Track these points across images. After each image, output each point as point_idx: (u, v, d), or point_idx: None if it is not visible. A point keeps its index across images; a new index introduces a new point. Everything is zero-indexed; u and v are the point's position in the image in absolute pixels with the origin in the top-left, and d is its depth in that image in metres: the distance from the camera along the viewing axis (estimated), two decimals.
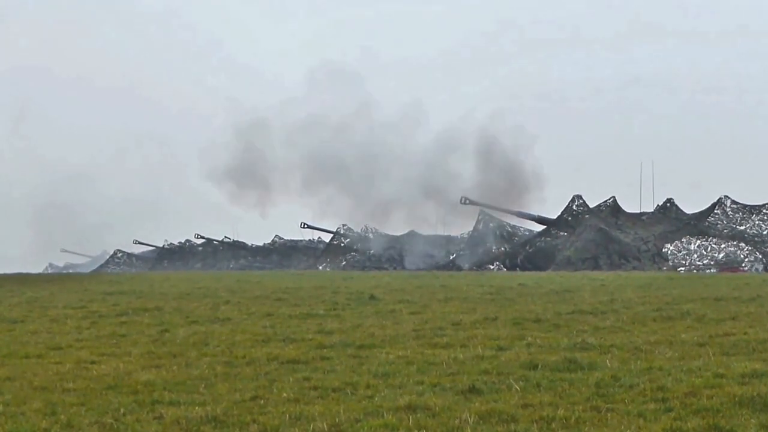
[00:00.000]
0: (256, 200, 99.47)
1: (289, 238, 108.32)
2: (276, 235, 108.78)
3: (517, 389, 11.55)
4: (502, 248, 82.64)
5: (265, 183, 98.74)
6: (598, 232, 74.33)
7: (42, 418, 10.42)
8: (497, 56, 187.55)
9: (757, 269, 71.30)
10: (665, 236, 76.27)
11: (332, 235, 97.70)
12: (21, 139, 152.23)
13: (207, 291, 32.98)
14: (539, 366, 13.22)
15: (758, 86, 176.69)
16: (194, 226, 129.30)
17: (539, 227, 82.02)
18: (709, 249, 75.80)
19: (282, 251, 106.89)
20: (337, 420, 9.98)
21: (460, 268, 74.24)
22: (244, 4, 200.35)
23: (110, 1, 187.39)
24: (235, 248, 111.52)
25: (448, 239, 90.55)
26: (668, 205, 78.65)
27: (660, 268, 69.62)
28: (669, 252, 76.17)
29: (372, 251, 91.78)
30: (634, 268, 67.49)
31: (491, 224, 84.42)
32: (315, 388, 11.94)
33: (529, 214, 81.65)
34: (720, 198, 78.01)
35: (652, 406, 10.44)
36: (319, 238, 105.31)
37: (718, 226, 76.95)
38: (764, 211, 77.08)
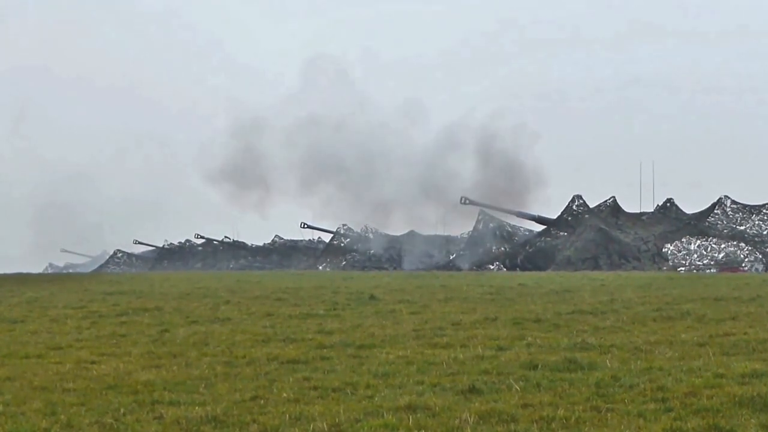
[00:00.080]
0: (255, 200, 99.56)
1: (289, 238, 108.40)
2: (276, 235, 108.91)
3: (517, 389, 11.54)
4: (502, 248, 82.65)
5: (265, 183, 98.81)
6: (598, 232, 74.35)
7: (42, 418, 10.42)
8: (497, 56, 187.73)
9: (757, 269, 71.31)
10: (665, 236, 76.28)
11: (332, 235, 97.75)
12: (21, 139, 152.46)
13: (207, 291, 32.98)
14: (539, 366, 13.22)
15: (758, 86, 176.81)
16: (194, 226, 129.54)
17: (539, 227, 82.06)
18: (709, 249, 75.83)
19: (282, 251, 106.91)
20: (337, 420, 9.98)
21: (459, 269, 74.22)
22: (244, 4, 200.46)
23: (110, 1, 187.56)
24: (235, 248, 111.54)
25: (448, 239, 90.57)
26: (668, 205, 78.67)
27: (660, 268, 69.63)
28: (669, 252, 76.19)
29: (372, 251, 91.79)
30: (634, 268, 67.51)
31: (491, 224, 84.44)
32: (315, 388, 11.94)
33: (529, 214, 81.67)
34: (720, 198, 78.04)
35: (652, 406, 10.44)
36: (319, 238, 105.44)
37: (718, 226, 76.97)
38: (764, 211, 77.09)
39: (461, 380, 12.19)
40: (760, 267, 72.40)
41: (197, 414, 10.33)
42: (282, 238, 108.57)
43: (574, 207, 78.63)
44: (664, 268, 70.86)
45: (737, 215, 77.42)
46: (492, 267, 79.31)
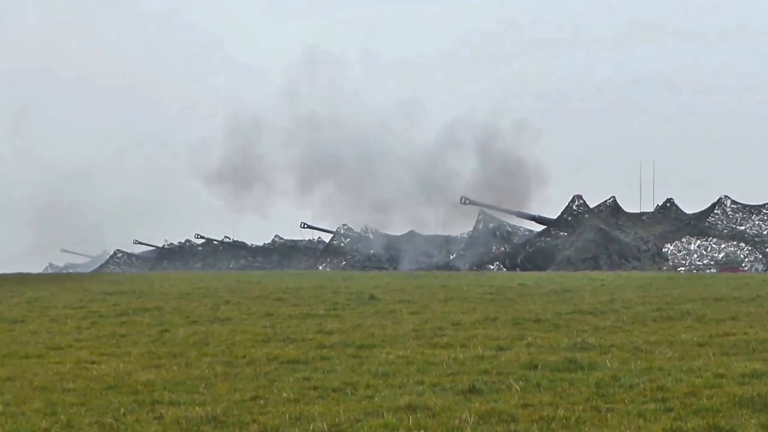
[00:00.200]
0: (254, 200, 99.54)
1: (289, 238, 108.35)
2: (276, 235, 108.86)
3: (517, 389, 11.55)
4: (502, 248, 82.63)
5: (264, 183, 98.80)
6: (598, 232, 74.35)
7: (42, 418, 10.42)
8: (497, 56, 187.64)
9: (757, 269, 71.31)
10: (665, 236, 76.28)
11: (332, 235, 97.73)
12: (21, 139, 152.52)
13: (207, 291, 32.98)
14: (539, 366, 13.22)
15: (758, 86, 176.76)
16: (194, 226, 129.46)
17: (539, 227, 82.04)
18: (709, 249, 75.82)
19: (282, 251, 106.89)
20: (337, 420, 9.98)
21: (457, 269, 74.17)
22: (244, 4, 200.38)
23: (110, 1, 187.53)
24: (235, 248, 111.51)
25: (448, 239, 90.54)
26: (668, 205, 78.66)
27: (660, 268, 69.63)
28: (669, 252, 76.18)
29: (372, 251, 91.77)
30: (634, 268, 67.49)
31: (491, 224, 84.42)
32: (315, 388, 11.94)
33: (529, 214, 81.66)
34: (720, 198, 78.03)
35: (652, 406, 10.44)
36: (319, 238, 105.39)
37: (718, 226, 76.96)
38: (764, 211, 77.08)
39: (461, 380, 12.19)
40: (760, 267, 72.39)
41: (197, 414, 10.33)
42: (282, 238, 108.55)
43: (574, 207, 78.63)
44: (664, 268, 70.87)
45: (737, 215, 77.41)
46: (492, 267, 79.31)
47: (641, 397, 10.93)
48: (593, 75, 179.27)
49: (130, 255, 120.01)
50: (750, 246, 75.27)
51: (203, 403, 11.07)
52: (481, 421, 9.85)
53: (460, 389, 11.58)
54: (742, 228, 76.54)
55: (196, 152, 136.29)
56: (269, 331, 18.76)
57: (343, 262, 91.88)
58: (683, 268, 71.59)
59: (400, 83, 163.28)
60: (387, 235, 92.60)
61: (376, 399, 11.16)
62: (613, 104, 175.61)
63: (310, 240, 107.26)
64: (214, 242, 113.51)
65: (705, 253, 75.64)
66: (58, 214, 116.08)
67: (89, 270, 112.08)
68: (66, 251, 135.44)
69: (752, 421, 9.66)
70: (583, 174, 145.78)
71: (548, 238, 79.54)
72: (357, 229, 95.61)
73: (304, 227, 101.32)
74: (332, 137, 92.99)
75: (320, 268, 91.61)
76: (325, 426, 9.74)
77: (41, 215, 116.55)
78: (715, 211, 77.49)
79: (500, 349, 15.29)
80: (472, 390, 11.49)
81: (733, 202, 77.78)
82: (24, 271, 78.25)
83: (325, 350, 15.59)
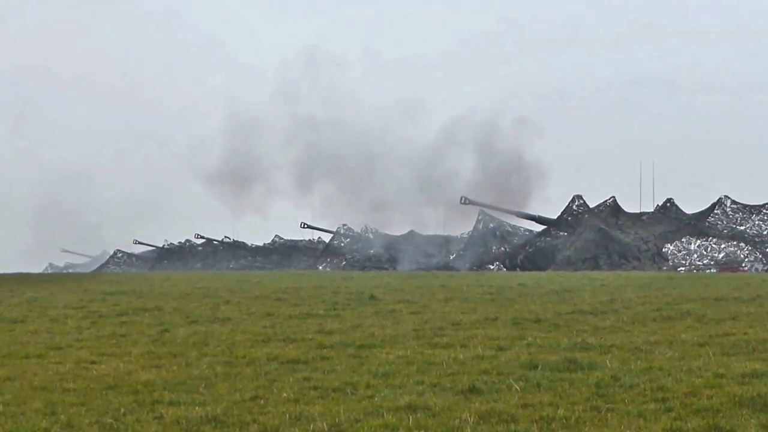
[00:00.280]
0: (254, 200, 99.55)
1: (289, 238, 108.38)
2: (276, 235, 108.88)
3: (517, 389, 11.54)
4: (502, 248, 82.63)
5: (264, 183, 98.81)
6: (598, 232, 74.35)
7: (42, 418, 10.42)
8: (497, 56, 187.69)
9: (757, 269, 71.31)
10: (665, 236, 76.28)
11: (332, 235, 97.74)
12: (21, 139, 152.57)
13: (207, 291, 32.99)
14: (539, 366, 13.21)
15: (758, 86, 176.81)
16: (194, 226, 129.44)
17: (539, 227, 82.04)
18: (709, 249, 75.83)
19: (282, 251, 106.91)
20: (337, 420, 9.98)
21: (456, 270, 74.15)
22: (244, 4, 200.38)
23: (110, 1, 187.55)
24: (235, 248, 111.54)
25: (448, 239, 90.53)
26: (668, 205, 78.67)
27: (660, 268, 69.63)
28: (669, 252, 76.19)
29: (372, 251, 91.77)
30: (634, 268, 67.50)
31: (491, 224, 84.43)
32: (315, 388, 11.94)
33: (529, 214, 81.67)
34: (720, 198, 78.05)
35: (652, 406, 10.44)
36: (319, 238, 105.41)
37: (718, 226, 76.97)
38: (764, 211, 77.10)
39: (461, 380, 12.19)
40: (760, 267, 72.40)
41: (197, 414, 10.33)
42: (282, 238, 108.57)
43: (574, 207, 78.63)
44: (664, 268, 70.87)
45: (737, 215, 77.43)
46: (492, 267, 79.30)
47: (641, 397, 10.93)
48: (593, 75, 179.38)
49: (130, 255, 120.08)
50: (750, 246, 75.28)
51: (203, 403, 11.07)
52: (481, 421, 9.85)
53: (460, 389, 11.58)
54: (742, 228, 76.55)
55: (196, 152, 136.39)
56: (269, 331, 18.75)
57: (343, 262, 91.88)
58: (683, 268, 71.60)
59: (400, 83, 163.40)
60: (387, 235, 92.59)
61: (376, 399, 11.16)
62: (613, 104, 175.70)
63: (310, 240, 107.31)
64: (214, 242, 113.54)
65: (705, 253, 75.65)
66: (58, 214, 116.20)
67: (89, 270, 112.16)
68: (66, 251, 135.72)
69: (752, 421, 9.66)
70: (583, 174, 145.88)
71: (548, 238, 79.55)
72: (357, 229, 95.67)
73: (304, 227, 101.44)
74: (332, 137, 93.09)
75: (320, 268, 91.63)
76: (325, 426, 9.74)
77: (41, 215, 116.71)
78: (715, 211, 77.50)
79: (500, 349, 15.29)
80: (472, 390, 11.49)
81: (733, 202, 77.79)
82: (24, 271, 78.40)
83: (325, 350, 15.59)
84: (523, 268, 73.30)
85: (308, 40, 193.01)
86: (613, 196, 78.47)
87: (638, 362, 13.47)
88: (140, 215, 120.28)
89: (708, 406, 10.28)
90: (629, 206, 79.57)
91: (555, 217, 79.61)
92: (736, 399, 10.57)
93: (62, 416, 10.49)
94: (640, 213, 79.05)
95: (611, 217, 77.61)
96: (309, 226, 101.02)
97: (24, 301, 29.01)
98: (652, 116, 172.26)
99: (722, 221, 77.24)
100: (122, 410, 10.75)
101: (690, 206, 79.45)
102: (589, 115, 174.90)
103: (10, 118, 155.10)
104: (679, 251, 76.09)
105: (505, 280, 39.73)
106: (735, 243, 75.40)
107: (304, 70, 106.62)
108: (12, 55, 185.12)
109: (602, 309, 22.51)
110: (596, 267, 69.24)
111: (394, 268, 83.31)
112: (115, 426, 10.04)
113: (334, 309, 23.87)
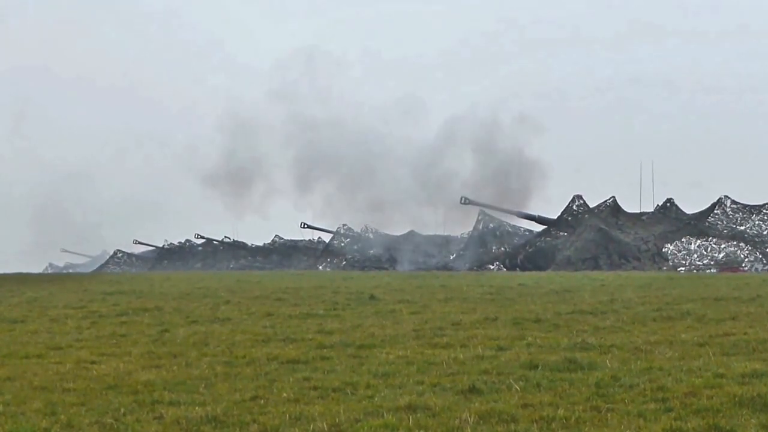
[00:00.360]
0: (253, 200, 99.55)
1: (289, 238, 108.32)
2: (276, 235, 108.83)
3: (517, 389, 11.55)
4: (502, 248, 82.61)
5: (264, 183, 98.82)
6: (598, 232, 74.34)
7: (42, 418, 10.42)
8: (497, 56, 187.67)
9: (757, 269, 71.31)
10: (665, 236, 76.28)
11: (332, 235, 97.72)
12: (21, 138, 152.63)
13: (207, 291, 32.98)
14: (539, 366, 13.22)
15: (758, 86, 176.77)
16: (194, 226, 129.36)
17: (539, 227, 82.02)
18: (709, 249, 75.83)
19: (282, 251, 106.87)
20: (337, 420, 9.98)
21: (457, 270, 74.12)
22: (244, 4, 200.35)
23: (110, 1, 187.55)
24: (235, 248, 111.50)
25: (448, 239, 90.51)
26: (668, 205, 78.66)
27: (660, 268, 69.63)
28: (669, 252, 76.18)
29: (372, 251, 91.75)
30: (634, 268, 67.49)
31: (491, 224, 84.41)
32: (315, 388, 11.94)
33: (529, 214, 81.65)
34: (720, 198, 78.03)
35: (652, 406, 10.44)
36: (319, 238, 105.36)
37: (718, 226, 76.97)
38: (764, 211, 77.09)
39: (461, 380, 12.19)
40: (760, 267, 72.40)
41: (197, 414, 10.33)
42: (282, 238, 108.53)
43: (574, 207, 78.62)
44: (664, 268, 70.86)
45: (737, 215, 77.42)
46: (492, 267, 79.28)
47: (641, 397, 10.93)
48: (593, 75, 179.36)
49: (130, 255, 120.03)
50: (750, 246, 75.27)
51: (203, 403, 11.07)
52: (481, 421, 9.85)
53: (460, 389, 11.58)
54: (742, 228, 76.55)
55: (195, 152, 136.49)
56: (269, 331, 18.75)
57: (343, 262, 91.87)
58: (683, 268, 71.59)
59: (400, 83, 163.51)
60: (387, 235, 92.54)
61: (376, 399, 11.16)
62: (613, 104, 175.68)
63: (310, 240, 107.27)
64: (214, 242, 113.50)
65: (705, 253, 75.65)
66: (58, 214, 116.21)
67: (89, 270, 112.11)
68: (66, 251, 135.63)
69: (752, 421, 9.66)
70: (583, 174, 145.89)
71: (548, 238, 79.54)
72: (357, 229, 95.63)
73: (304, 227, 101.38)
74: (332, 137, 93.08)
75: (320, 268, 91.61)
76: (325, 426, 9.74)
77: (41, 215, 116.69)
78: (715, 211, 77.49)
79: (500, 349, 15.29)
80: (472, 390, 11.50)
81: (733, 202, 77.78)
82: (24, 271, 78.32)
83: (325, 350, 15.59)
84: (523, 268, 73.28)
85: (308, 40, 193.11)
86: (613, 196, 78.54)
87: (638, 362, 13.47)
88: (140, 215, 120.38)
89: (708, 406, 10.28)
90: (629, 206, 79.66)
91: (555, 217, 79.60)
92: (736, 399, 10.57)
93: (62, 416, 10.49)
94: (640, 213, 79.05)
95: (611, 217, 77.60)
96: (309, 226, 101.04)
97: (24, 301, 29.01)
98: (652, 116, 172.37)
99: (722, 221, 77.24)
100: (122, 410, 10.76)
101: (690, 206, 79.54)
102: (589, 115, 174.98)
103: (10, 118, 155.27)
104: (679, 251, 76.09)
105: (505, 280, 39.73)
106: (735, 243, 75.39)
107: (304, 70, 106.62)
108: (12, 55, 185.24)
109: (602, 309, 22.51)
110: (596, 267, 69.23)
111: (394, 268, 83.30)
112: (115, 426, 10.04)
113: (334, 309, 23.87)
